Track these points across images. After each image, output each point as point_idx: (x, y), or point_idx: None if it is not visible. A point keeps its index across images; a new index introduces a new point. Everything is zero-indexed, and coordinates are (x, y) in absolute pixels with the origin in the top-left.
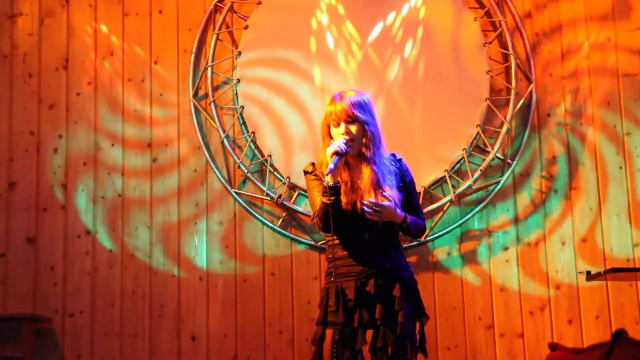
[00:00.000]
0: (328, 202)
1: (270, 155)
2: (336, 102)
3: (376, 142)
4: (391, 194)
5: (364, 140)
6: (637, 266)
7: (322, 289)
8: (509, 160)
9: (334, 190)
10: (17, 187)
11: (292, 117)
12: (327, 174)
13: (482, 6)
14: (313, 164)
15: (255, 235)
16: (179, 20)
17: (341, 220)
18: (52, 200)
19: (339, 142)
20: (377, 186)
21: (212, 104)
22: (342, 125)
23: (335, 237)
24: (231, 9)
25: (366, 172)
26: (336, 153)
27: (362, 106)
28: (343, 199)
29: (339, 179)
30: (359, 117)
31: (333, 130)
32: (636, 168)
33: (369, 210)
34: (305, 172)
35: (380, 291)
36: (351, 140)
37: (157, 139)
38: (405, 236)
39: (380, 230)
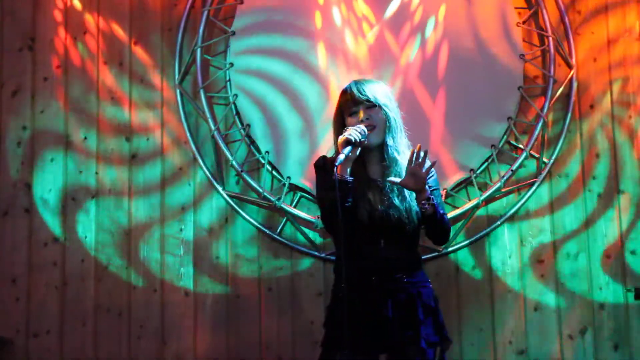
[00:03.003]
0: (336, 198)
1: (267, 152)
2: (352, 87)
3: (399, 131)
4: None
5: (386, 126)
6: None
7: (328, 306)
8: (545, 159)
9: (343, 185)
10: None
11: (294, 109)
12: (336, 165)
13: None
14: (324, 158)
15: (250, 244)
16: None
17: (353, 223)
18: (15, 202)
19: (353, 129)
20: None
21: (201, 92)
22: (361, 110)
23: (340, 240)
24: None
25: (388, 165)
26: (348, 142)
27: (384, 90)
28: (357, 198)
29: (350, 175)
30: (379, 100)
31: (350, 120)
32: None
33: (419, 156)
34: (316, 167)
35: (396, 310)
36: (372, 127)
37: (137, 131)
38: (427, 230)
39: (398, 237)
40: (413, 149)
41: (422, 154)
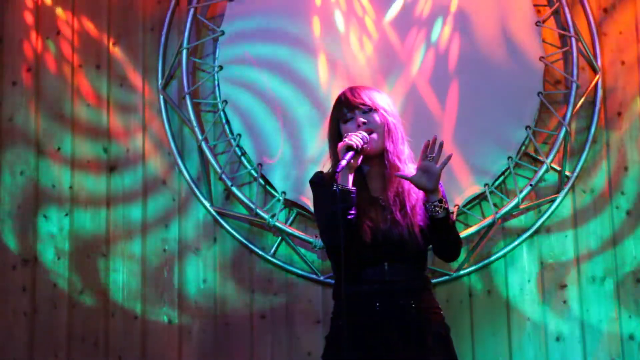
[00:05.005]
0: (337, 209)
1: (260, 164)
2: (346, 92)
3: (400, 136)
4: (419, 211)
5: (385, 131)
6: None
7: (327, 336)
8: (568, 173)
9: (345, 195)
10: None
11: (289, 116)
12: (337, 171)
13: None
14: (321, 173)
15: (241, 266)
16: None
17: (354, 243)
18: None
19: (353, 135)
20: (404, 196)
21: (187, 98)
22: (357, 116)
23: (340, 260)
24: None
25: (390, 175)
26: (349, 148)
27: (380, 94)
28: (358, 215)
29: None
30: (377, 104)
31: (345, 127)
32: None
33: (433, 149)
34: (312, 183)
35: (402, 340)
36: (370, 133)
37: (116, 140)
38: (436, 241)
39: (404, 259)
40: (427, 141)
41: (436, 147)
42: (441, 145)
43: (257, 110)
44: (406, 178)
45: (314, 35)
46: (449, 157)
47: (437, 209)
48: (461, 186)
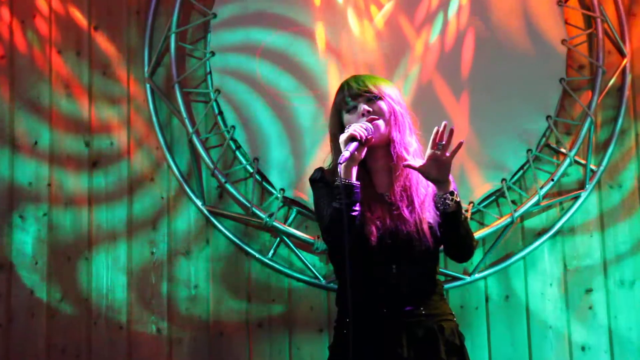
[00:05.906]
0: (341, 206)
1: (257, 159)
2: (349, 80)
3: (408, 127)
4: (429, 208)
5: (392, 119)
6: None
7: (330, 346)
8: (593, 166)
9: (348, 190)
10: None
11: (289, 106)
12: (339, 162)
13: None
14: (322, 170)
15: (236, 270)
16: None
17: (359, 241)
18: None
19: (357, 125)
20: (411, 190)
21: (176, 87)
22: (361, 105)
23: (344, 262)
24: None
25: (397, 168)
26: (353, 138)
27: (386, 82)
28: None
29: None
30: (383, 91)
31: (348, 117)
32: None
33: (443, 136)
34: (312, 181)
35: (412, 349)
36: (374, 120)
37: (99, 134)
38: (447, 240)
39: (412, 260)
40: (437, 127)
41: (446, 134)
42: (451, 132)
43: (252, 100)
44: (414, 168)
45: (313, 11)
46: (460, 145)
47: (448, 202)
48: (476, 182)
